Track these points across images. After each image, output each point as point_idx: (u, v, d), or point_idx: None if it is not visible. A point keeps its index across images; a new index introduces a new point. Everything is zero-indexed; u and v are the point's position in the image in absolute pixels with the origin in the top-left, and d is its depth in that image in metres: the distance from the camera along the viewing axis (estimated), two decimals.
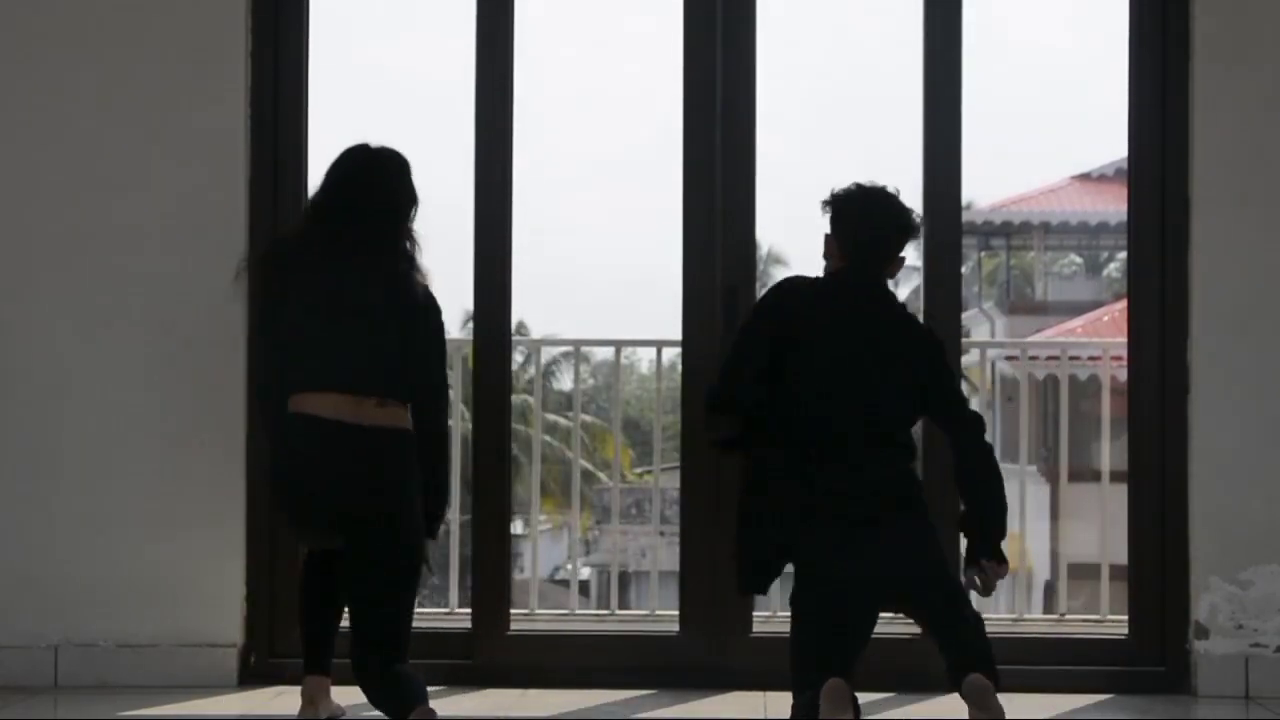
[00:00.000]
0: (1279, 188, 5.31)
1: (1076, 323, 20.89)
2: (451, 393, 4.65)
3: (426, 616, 6.31)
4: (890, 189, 4.64)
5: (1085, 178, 25.95)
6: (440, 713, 4.34)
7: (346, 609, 4.63)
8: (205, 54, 5.36)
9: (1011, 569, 4.56)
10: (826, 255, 4.67)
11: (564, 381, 26.71)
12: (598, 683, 5.35)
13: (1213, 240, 5.31)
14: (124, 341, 5.35)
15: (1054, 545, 16.29)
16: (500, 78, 5.50)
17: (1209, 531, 5.29)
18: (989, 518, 4.49)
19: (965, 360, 6.36)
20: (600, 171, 48.42)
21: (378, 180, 4.57)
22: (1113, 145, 29.44)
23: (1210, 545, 5.28)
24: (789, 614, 4.53)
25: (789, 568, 4.57)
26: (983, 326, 24.03)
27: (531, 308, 29.37)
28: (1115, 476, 6.42)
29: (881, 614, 4.54)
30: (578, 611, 7.40)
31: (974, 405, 4.69)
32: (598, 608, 15.94)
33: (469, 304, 5.50)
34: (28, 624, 5.31)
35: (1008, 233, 26.13)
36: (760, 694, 5.25)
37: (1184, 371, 5.35)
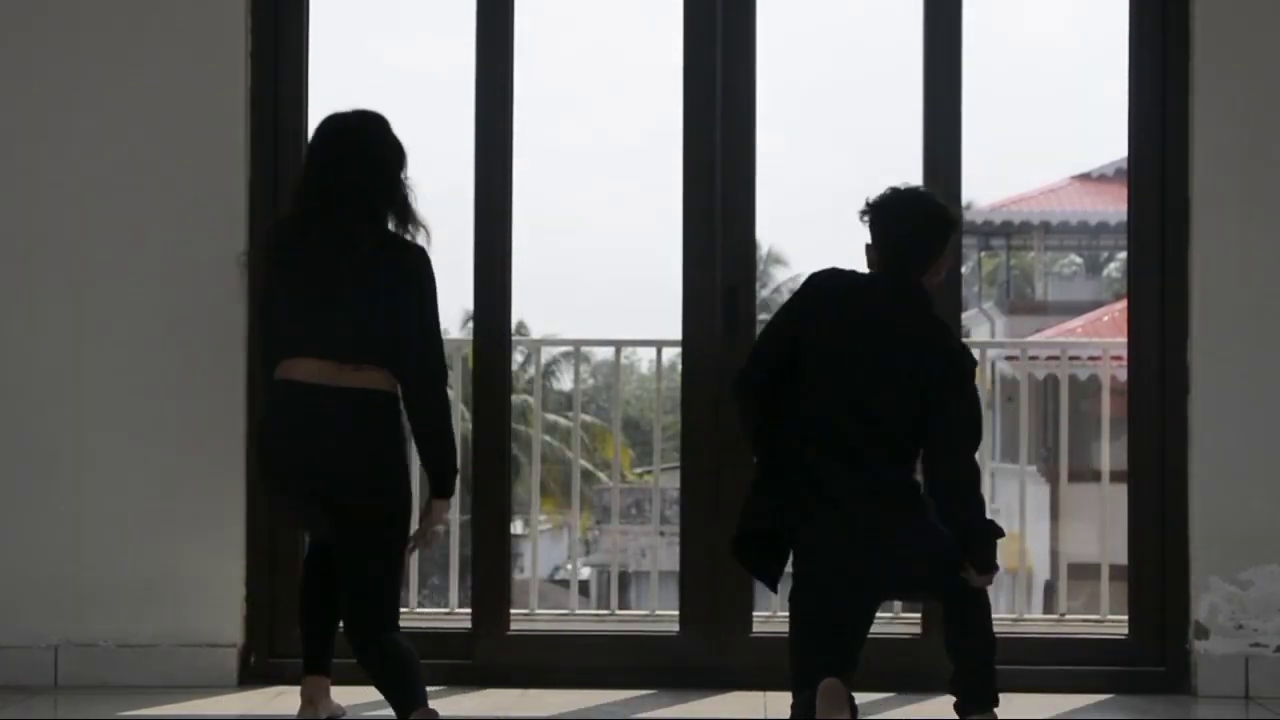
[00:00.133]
0: (1279, 188, 5.32)
1: (1076, 323, 20.89)
2: (451, 377, 4.62)
3: (426, 616, 6.32)
4: (926, 189, 4.62)
5: (1085, 178, 25.97)
6: (440, 713, 4.34)
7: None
8: (205, 54, 5.36)
9: (1011, 569, 4.56)
10: (870, 265, 4.58)
11: (564, 381, 26.72)
12: (598, 683, 5.35)
13: (1213, 240, 5.31)
14: (124, 342, 5.35)
15: (1054, 545, 16.30)
16: (500, 77, 5.50)
17: (1209, 531, 5.29)
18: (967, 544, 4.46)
19: None
20: (600, 171, 48.43)
21: (351, 148, 4.52)
22: (1113, 145, 29.47)
23: (1210, 545, 5.28)
24: (789, 614, 4.52)
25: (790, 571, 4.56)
26: (983, 326, 24.02)
27: (531, 308, 29.40)
28: (1115, 476, 6.42)
29: (881, 612, 4.54)
30: (578, 611, 7.41)
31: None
32: (598, 608, 15.94)
33: (469, 304, 5.51)
34: (28, 624, 5.31)
35: (1008, 233, 26.14)
36: (760, 694, 5.25)
37: (1184, 371, 5.35)
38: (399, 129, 4.61)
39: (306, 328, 4.44)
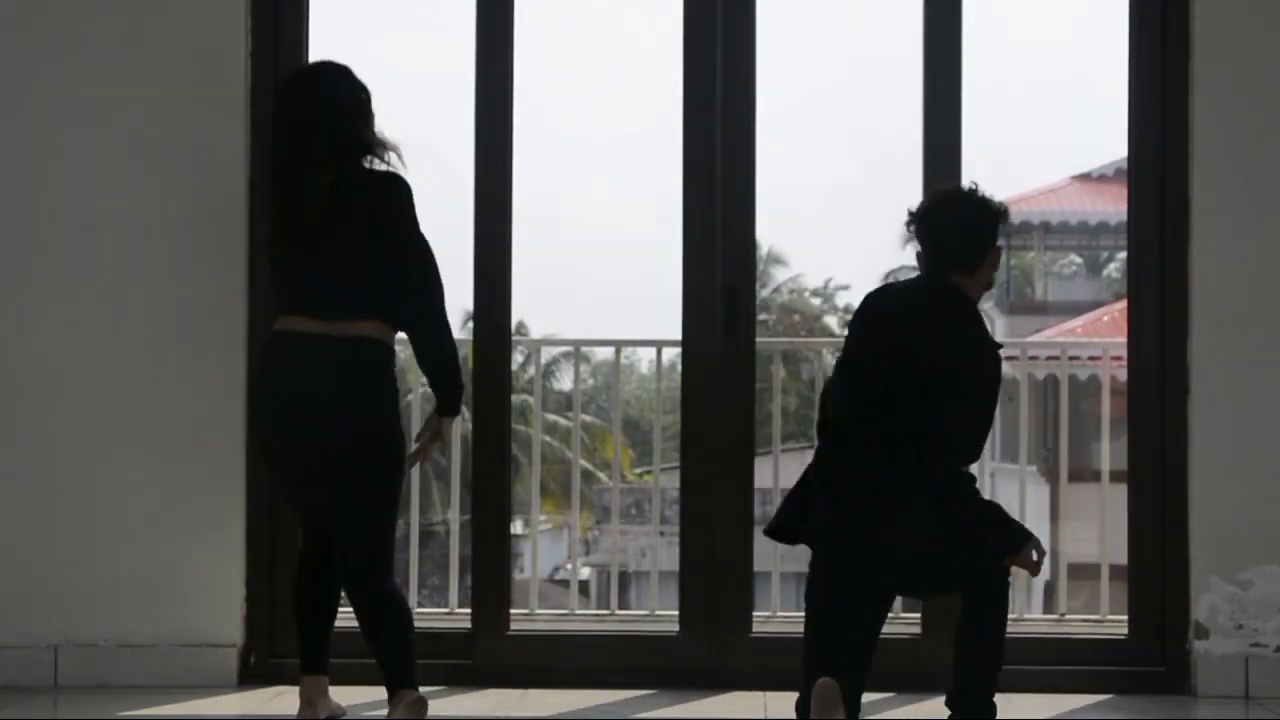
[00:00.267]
0: (1279, 188, 5.32)
1: (1076, 323, 20.89)
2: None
3: (426, 616, 6.31)
4: (966, 186, 4.57)
5: (1085, 178, 25.96)
6: (440, 713, 4.34)
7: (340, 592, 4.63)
8: (205, 54, 5.36)
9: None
10: (920, 269, 4.57)
11: (564, 381, 26.71)
12: (598, 683, 5.35)
13: (1213, 240, 5.31)
14: (124, 342, 5.35)
15: (1054, 545, 16.28)
16: (500, 78, 5.50)
17: (1209, 531, 5.29)
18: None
19: None
20: (600, 171, 48.44)
21: (302, 105, 4.54)
22: (1113, 145, 29.44)
23: (1210, 545, 5.28)
24: (789, 614, 4.53)
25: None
26: None
27: (531, 308, 29.40)
28: (1115, 476, 6.42)
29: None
30: (578, 611, 7.41)
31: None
32: (598, 608, 15.94)
33: (469, 304, 5.51)
34: (28, 624, 5.31)
35: (1008, 233, 26.13)
36: (760, 694, 5.25)
37: (1184, 371, 5.35)
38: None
39: (297, 290, 4.50)
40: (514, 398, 5.94)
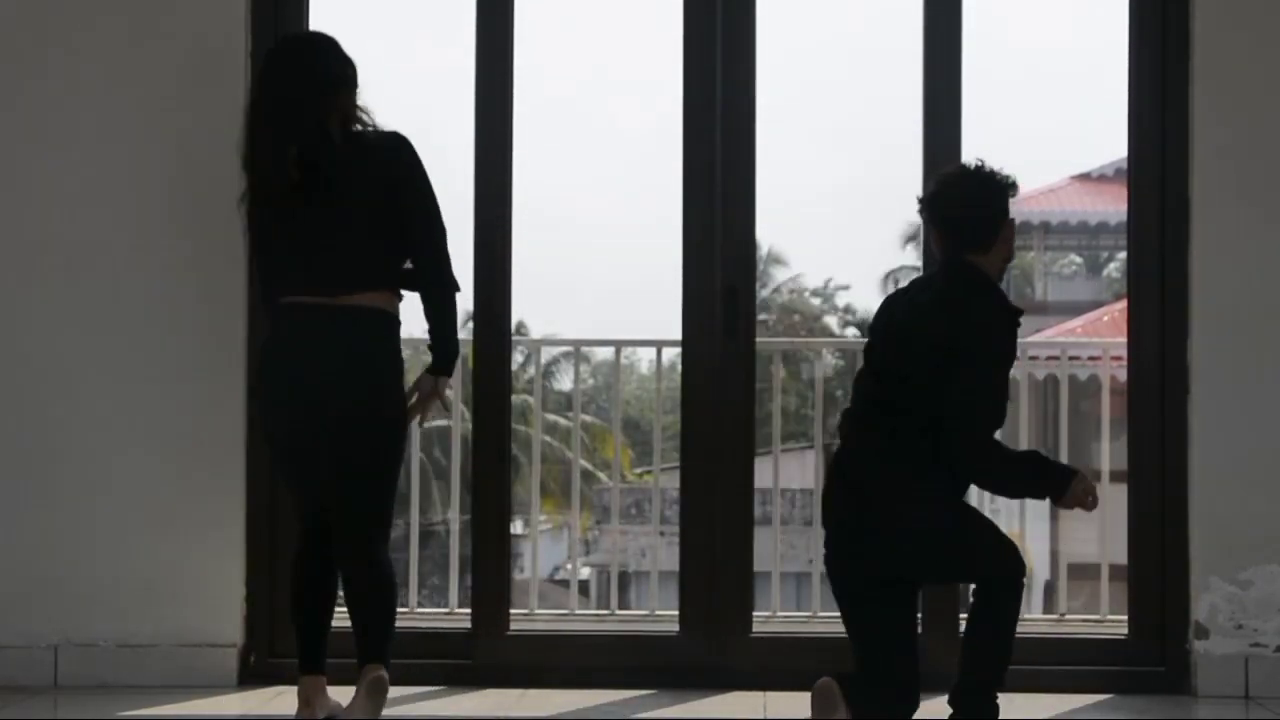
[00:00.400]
0: (1279, 187, 5.32)
1: (1076, 323, 20.88)
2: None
3: (426, 617, 6.32)
4: (971, 165, 4.52)
5: (1085, 178, 25.95)
6: (440, 713, 4.34)
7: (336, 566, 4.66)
8: (205, 54, 5.36)
9: None
10: (936, 253, 4.58)
11: (564, 381, 26.70)
12: (598, 683, 5.35)
13: (1213, 240, 5.31)
14: (124, 342, 5.35)
15: (1054, 545, 16.27)
16: (500, 78, 5.50)
17: (1209, 531, 5.29)
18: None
19: None
20: (600, 171, 48.42)
21: (296, 63, 4.58)
22: (1113, 145, 29.43)
23: (1210, 545, 5.28)
24: (789, 614, 4.53)
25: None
26: None
27: (531, 308, 29.39)
28: (1115, 476, 6.42)
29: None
30: (577, 611, 7.42)
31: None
32: (597, 608, 15.93)
33: (469, 304, 5.51)
34: (28, 624, 5.31)
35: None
36: (760, 694, 5.25)
37: (1184, 371, 5.35)
38: (398, 128, 4.62)
39: (299, 268, 4.51)
40: (514, 398, 5.95)
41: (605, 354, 22.47)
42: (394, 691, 5.04)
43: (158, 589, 5.31)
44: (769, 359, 7.11)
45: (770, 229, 30.63)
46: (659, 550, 7.48)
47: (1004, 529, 4.56)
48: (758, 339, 5.58)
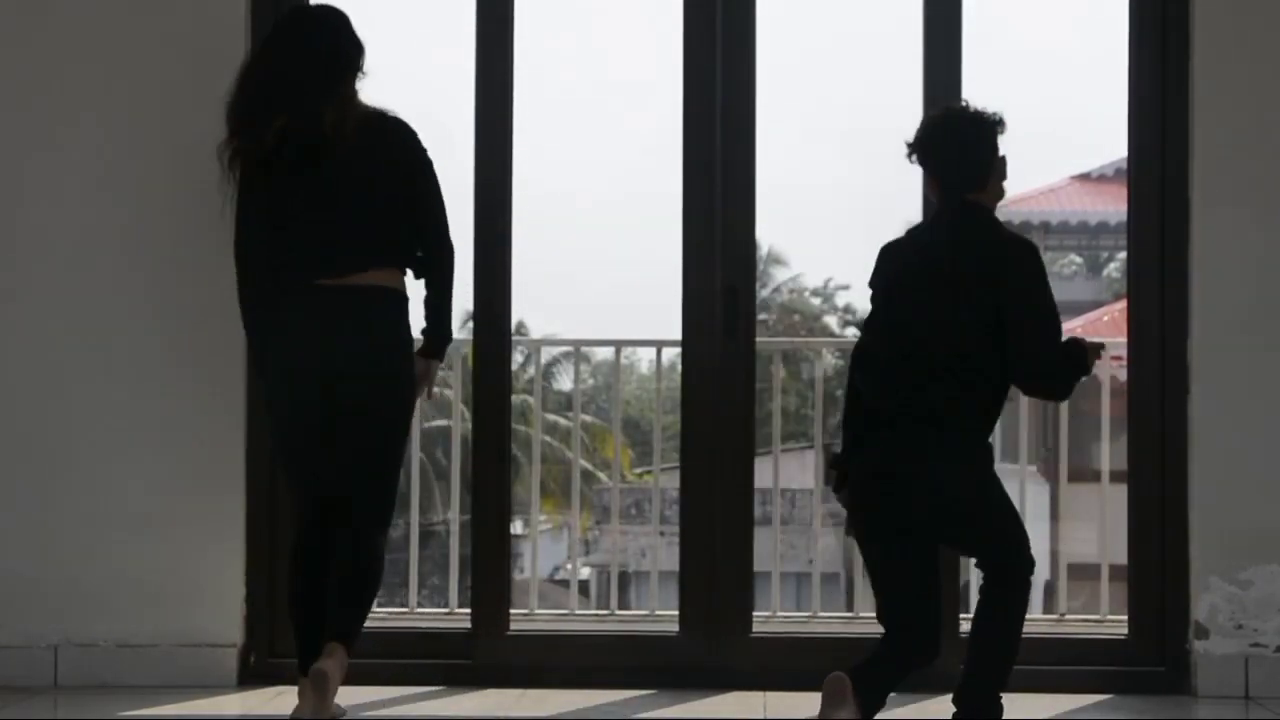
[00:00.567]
0: (1279, 187, 5.31)
1: (1076, 323, 20.88)
2: (451, 377, 4.72)
3: (426, 617, 6.32)
4: (960, 105, 4.61)
5: (1085, 178, 25.94)
6: (440, 713, 4.34)
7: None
8: (205, 54, 5.35)
9: None
10: (927, 192, 4.63)
11: (564, 381, 26.68)
12: (598, 683, 5.34)
13: (1213, 240, 5.31)
14: (123, 342, 5.35)
15: (1054, 545, 16.26)
16: (500, 78, 5.50)
17: (1209, 531, 5.28)
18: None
19: None
20: (600, 171, 48.41)
21: (304, 51, 4.59)
22: (1113, 145, 29.43)
23: (1210, 545, 5.28)
24: (789, 614, 4.53)
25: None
26: None
27: (531, 308, 29.37)
28: (1115, 476, 6.41)
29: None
30: (577, 611, 7.42)
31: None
32: (597, 608, 15.92)
33: (469, 304, 5.50)
34: (28, 624, 5.31)
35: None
36: (760, 694, 5.25)
37: (1184, 371, 5.35)
38: None
39: (305, 250, 4.52)
40: (514, 398, 5.94)
41: (605, 354, 22.45)
42: (394, 691, 5.06)
43: (158, 589, 5.31)
44: (769, 359, 7.11)
45: (770, 229, 30.62)
46: (659, 550, 7.48)
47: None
48: (758, 339, 5.58)
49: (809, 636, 5.77)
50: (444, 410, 18.05)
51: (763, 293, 31.18)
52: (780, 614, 6.27)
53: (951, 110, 4.62)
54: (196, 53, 5.36)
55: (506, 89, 5.50)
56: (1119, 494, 5.72)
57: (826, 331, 31.17)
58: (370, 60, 4.66)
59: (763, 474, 6.30)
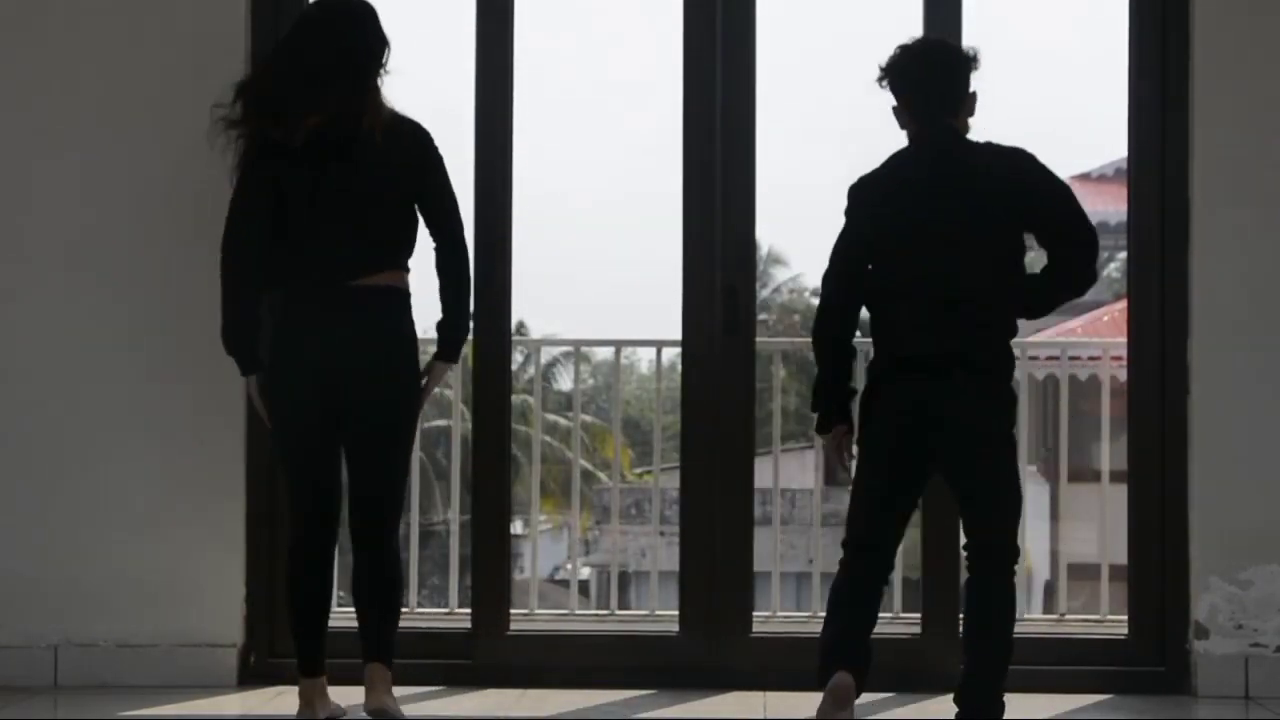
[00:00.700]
0: (1279, 188, 5.31)
1: (1076, 323, 20.87)
2: (451, 376, 4.75)
3: (426, 616, 6.32)
4: (932, 36, 4.72)
5: (1085, 178, 25.91)
6: (440, 713, 4.34)
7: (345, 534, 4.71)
8: (205, 54, 5.36)
9: None
10: (902, 125, 4.61)
11: (564, 381, 26.68)
12: (598, 683, 5.35)
13: (1213, 240, 5.31)
14: (123, 342, 5.35)
15: (1054, 545, 16.27)
16: (500, 78, 5.50)
17: (1209, 531, 5.28)
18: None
19: None
20: (601, 171, 48.42)
21: (338, 30, 4.59)
22: (1113, 145, 29.42)
23: (1210, 545, 5.28)
24: (789, 614, 4.53)
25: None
26: None
27: (531, 308, 29.38)
28: (1115, 476, 6.41)
29: (881, 611, 4.53)
30: (577, 611, 7.41)
31: None
32: (597, 608, 15.92)
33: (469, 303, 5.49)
34: (28, 624, 5.31)
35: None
36: (760, 694, 5.25)
37: (1184, 371, 5.35)
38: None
39: (322, 253, 4.53)
40: (514, 398, 5.94)
41: (605, 354, 22.42)
42: (394, 691, 5.04)
43: (158, 589, 5.31)
44: (769, 359, 7.12)
45: (770, 229, 30.63)
46: (659, 550, 7.49)
47: None
48: (758, 338, 5.58)
49: (809, 636, 5.74)
50: (444, 410, 18.07)
51: (763, 293, 31.17)
52: (780, 614, 6.27)
53: (928, 39, 4.66)
54: (197, 52, 5.36)
55: (507, 88, 5.50)
56: (1119, 494, 5.72)
57: None
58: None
59: (763, 474, 6.30)
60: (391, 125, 4.56)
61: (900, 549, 4.59)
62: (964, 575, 4.53)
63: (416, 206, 4.61)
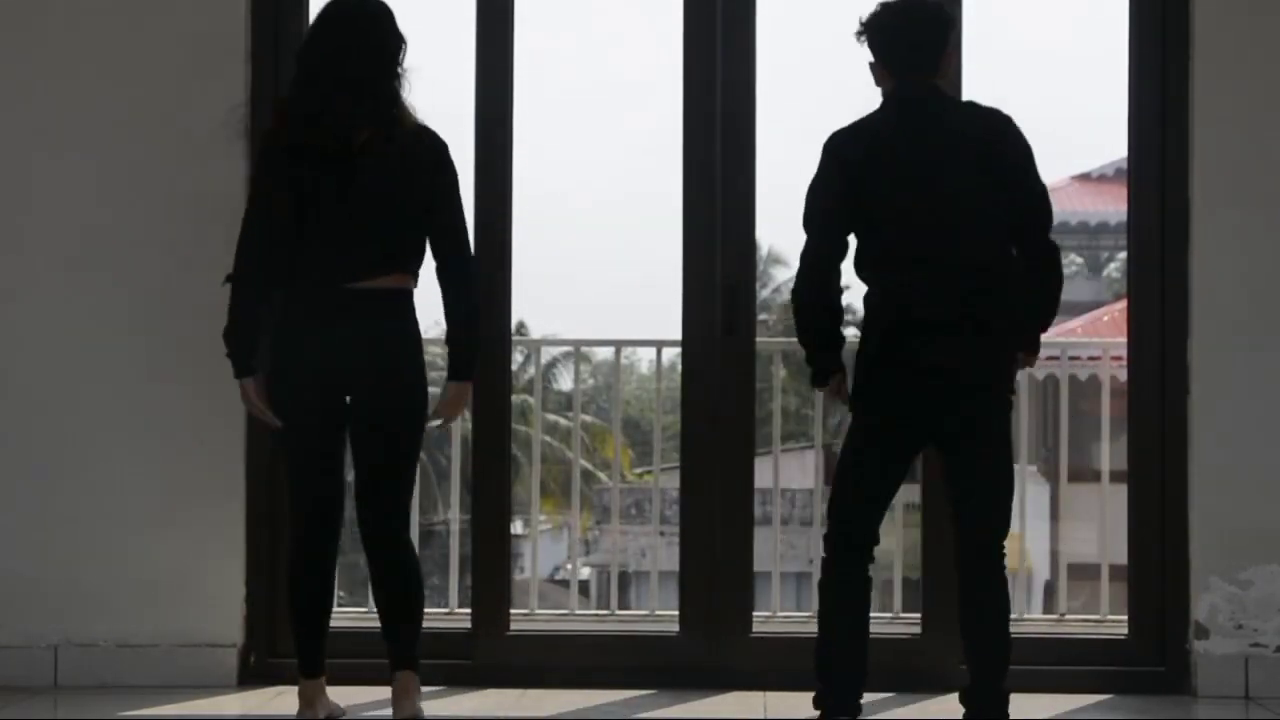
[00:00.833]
0: (1279, 189, 5.31)
1: (1076, 323, 20.88)
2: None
3: (427, 616, 6.26)
4: None
5: (1085, 178, 25.94)
6: (440, 713, 4.34)
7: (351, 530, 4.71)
8: (205, 54, 5.36)
9: (1011, 569, 4.55)
10: (878, 82, 4.58)
11: (564, 381, 26.67)
12: (598, 683, 5.35)
13: (1213, 240, 5.31)
14: (123, 342, 5.35)
15: (1054, 545, 16.27)
16: (500, 77, 5.50)
17: (1209, 531, 5.28)
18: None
19: None
20: (601, 171, 48.43)
21: (356, 33, 4.56)
22: (1113, 145, 29.45)
23: (1210, 545, 5.28)
24: (789, 614, 4.53)
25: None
26: None
27: (531, 308, 29.36)
28: (1115, 476, 6.41)
29: (880, 612, 4.53)
30: (577, 611, 7.41)
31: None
32: (598, 608, 15.92)
33: None
34: (28, 624, 5.31)
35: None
36: (760, 694, 5.25)
37: (1184, 371, 5.35)
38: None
39: (341, 255, 4.51)
40: (514, 398, 5.94)
41: (605, 354, 22.41)
42: None
43: (158, 589, 5.31)
44: (769, 359, 7.11)
45: (770, 229, 30.59)
46: (659, 550, 7.49)
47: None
48: (758, 338, 5.58)
49: (809, 637, 5.74)
50: None
51: (763, 293, 31.14)
52: (780, 614, 6.26)
53: (910, 0, 4.59)
54: (197, 52, 5.36)
55: (507, 88, 5.50)
56: (1119, 494, 5.72)
57: None
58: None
59: (763, 474, 6.30)
60: (415, 134, 4.55)
61: (900, 549, 4.59)
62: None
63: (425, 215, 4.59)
